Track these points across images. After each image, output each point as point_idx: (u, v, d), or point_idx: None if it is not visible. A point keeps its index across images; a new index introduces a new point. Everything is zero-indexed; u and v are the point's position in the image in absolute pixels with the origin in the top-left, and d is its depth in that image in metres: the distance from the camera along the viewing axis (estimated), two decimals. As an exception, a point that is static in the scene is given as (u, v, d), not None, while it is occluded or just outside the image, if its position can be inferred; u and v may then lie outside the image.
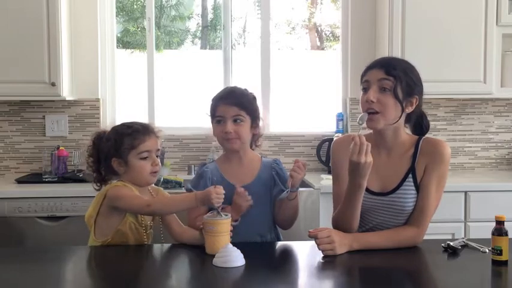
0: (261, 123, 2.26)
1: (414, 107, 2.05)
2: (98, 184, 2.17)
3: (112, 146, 2.10)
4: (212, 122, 2.23)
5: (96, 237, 2.11)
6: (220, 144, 2.25)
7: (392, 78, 2.00)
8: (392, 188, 2.06)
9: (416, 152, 2.06)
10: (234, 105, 2.17)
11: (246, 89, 2.27)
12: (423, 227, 2.04)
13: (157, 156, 2.14)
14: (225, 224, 1.94)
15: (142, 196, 2.08)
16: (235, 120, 2.17)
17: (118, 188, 2.08)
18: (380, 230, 2.08)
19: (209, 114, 2.24)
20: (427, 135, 2.12)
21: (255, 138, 2.29)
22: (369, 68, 2.07)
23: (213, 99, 2.24)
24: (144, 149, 2.10)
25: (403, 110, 2.02)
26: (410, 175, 2.05)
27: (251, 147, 2.30)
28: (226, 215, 1.96)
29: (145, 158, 2.10)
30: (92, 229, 2.12)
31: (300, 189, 2.12)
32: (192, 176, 3.59)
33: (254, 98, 2.26)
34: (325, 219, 3.01)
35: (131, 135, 2.10)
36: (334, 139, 2.35)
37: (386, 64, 2.05)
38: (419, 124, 2.13)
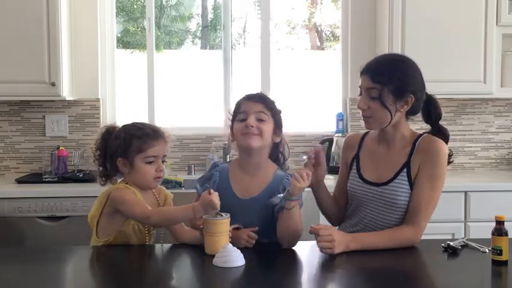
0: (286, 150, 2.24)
1: (411, 104, 2.05)
2: (103, 178, 2.16)
3: (120, 146, 2.09)
4: (234, 121, 2.17)
5: (98, 237, 2.11)
6: (239, 144, 2.15)
7: (378, 85, 2.02)
8: (386, 180, 2.08)
9: (414, 149, 2.07)
10: (259, 102, 2.14)
11: None
12: (419, 226, 2.03)
13: (163, 162, 2.13)
14: (224, 224, 1.94)
15: (144, 204, 2.05)
16: (258, 118, 2.12)
17: (120, 191, 2.07)
18: (375, 228, 2.10)
19: (231, 113, 2.19)
20: (428, 134, 2.12)
21: (277, 153, 2.23)
22: (361, 73, 2.09)
23: (238, 100, 2.20)
24: (152, 154, 2.09)
25: (396, 111, 2.04)
26: (405, 170, 2.06)
27: (277, 162, 2.23)
28: (226, 215, 1.95)
29: (150, 163, 2.09)
30: (94, 229, 2.12)
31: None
32: (192, 176, 3.60)
33: (280, 110, 2.21)
34: (325, 219, 3.01)
35: (141, 138, 2.08)
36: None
37: (372, 70, 2.05)
38: (428, 113, 2.13)
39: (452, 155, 2.11)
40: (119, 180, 2.16)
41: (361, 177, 2.16)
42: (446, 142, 2.10)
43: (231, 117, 2.20)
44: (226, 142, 3.57)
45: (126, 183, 2.12)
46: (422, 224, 2.04)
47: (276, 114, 2.17)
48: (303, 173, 1.98)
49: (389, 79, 2.02)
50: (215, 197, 1.92)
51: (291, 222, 2.03)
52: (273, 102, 2.19)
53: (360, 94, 2.08)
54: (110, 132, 2.14)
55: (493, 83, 3.46)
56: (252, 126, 2.09)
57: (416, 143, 2.08)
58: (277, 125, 2.17)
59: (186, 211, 1.98)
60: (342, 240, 1.94)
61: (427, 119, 2.14)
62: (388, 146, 2.13)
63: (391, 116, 2.03)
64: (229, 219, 1.96)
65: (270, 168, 2.19)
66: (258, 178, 2.15)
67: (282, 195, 2.04)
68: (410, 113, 2.09)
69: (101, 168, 2.16)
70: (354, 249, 1.95)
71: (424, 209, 2.04)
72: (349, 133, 3.73)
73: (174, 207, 2.16)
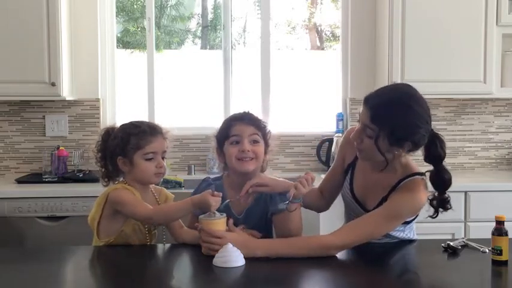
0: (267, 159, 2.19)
1: (408, 149, 1.94)
2: (106, 180, 2.16)
3: (118, 145, 2.09)
4: (225, 144, 2.13)
5: (99, 238, 2.11)
6: (233, 167, 2.12)
7: (375, 127, 1.90)
8: (371, 208, 2.03)
9: (396, 187, 1.99)
10: (251, 124, 2.12)
11: None
12: (340, 238, 1.92)
13: (163, 158, 2.13)
14: (220, 224, 1.94)
15: (144, 204, 2.05)
16: (252, 141, 2.10)
17: (119, 192, 2.07)
18: None
19: (217, 136, 2.16)
20: (418, 179, 1.99)
21: (263, 165, 2.20)
22: (363, 101, 1.97)
23: (225, 121, 2.17)
24: (150, 150, 2.09)
25: (391, 154, 1.95)
26: (382, 203, 2.00)
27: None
28: (222, 215, 1.95)
29: (150, 159, 2.10)
30: (94, 231, 2.12)
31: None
32: (192, 175, 3.60)
33: (267, 126, 2.19)
34: (325, 219, 3.01)
35: (138, 135, 2.09)
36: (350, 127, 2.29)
37: (373, 108, 1.92)
38: (428, 152, 1.97)
39: (438, 211, 1.97)
40: (120, 180, 2.16)
41: (352, 190, 2.12)
42: (444, 189, 1.96)
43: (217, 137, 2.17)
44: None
45: (125, 183, 2.12)
46: (344, 238, 1.92)
47: (265, 135, 2.15)
48: (308, 178, 1.99)
49: (389, 126, 1.89)
50: (213, 200, 1.92)
51: (292, 223, 2.06)
52: (262, 122, 2.17)
53: (359, 121, 1.99)
54: (109, 133, 2.15)
55: (493, 83, 3.46)
56: (248, 151, 2.08)
57: (401, 183, 1.98)
58: (267, 144, 2.16)
59: (184, 206, 1.99)
60: (241, 245, 1.87)
61: (426, 157, 1.97)
62: (378, 172, 2.04)
63: (386, 159, 1.95)
64: (225, 219, 1.96)
65: None
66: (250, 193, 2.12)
67: (287, 202, 2.01)
68: (408, 151, 1.97)
69: (103, 169, 2.16)
70: (262, 256, 1.88)
71: (357, 228, 1.95)
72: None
73: (173, 203, 2.16)
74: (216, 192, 1.95)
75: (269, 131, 2.19)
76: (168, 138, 2.16)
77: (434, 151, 1.96)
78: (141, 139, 2.09)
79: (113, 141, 2.11)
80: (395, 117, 1.90)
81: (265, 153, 2.16)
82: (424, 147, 1.97)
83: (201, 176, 2.76)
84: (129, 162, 2.10)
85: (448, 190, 1.98)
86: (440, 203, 1.98)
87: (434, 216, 1.99)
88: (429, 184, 2.00)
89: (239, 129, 2.11)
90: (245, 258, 1.84)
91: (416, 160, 2.09)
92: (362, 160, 2.08)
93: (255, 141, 2.11)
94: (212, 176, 2.31)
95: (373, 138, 1.91)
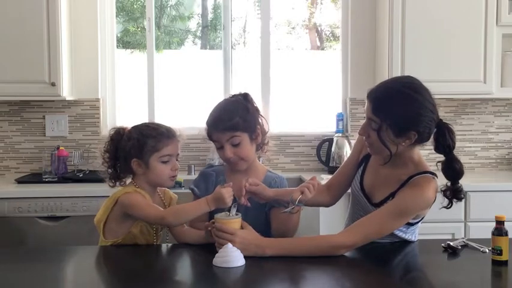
0: (263, 123, 2.18)
1: (415, 139, 1.93)
2: (113, 181, 2.15)
3: (134, 146, 2.08)
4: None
5: (106, 239, 2.10)
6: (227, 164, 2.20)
7: (377, 119, 1.92)
8: (378, 202, 2.04)
9: (406, 182, 1.99)
10: (225, 130, 2.09)
11: (235, 100, 2.16)
12: (349, 237, 1.92)
13: (177, 161, 2.14)
14: (236, 223, 1.95)
15: (155, 206, 2.06)
16: (233, 144, 2.10)
17: (130, 196, 2.05)
18: None
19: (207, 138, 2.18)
20: (428, 176, 1.98)
21: (260, 147, 2.20)
22: (366, 96, 1.98)
23: (206, 123, 2.16)
24: (167, 152, 2.09)
25: (397, 146, 1.94)
26: (390, 198, 2.00)
27: (259, 154, 2.24)
28: (237, 215, 1.97)
29: (166, 162, 2.09)
30: (101, 232, 2.11)
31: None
32: (192, 175, 3.60)
33: (245, 108, 2.13)
34: (325, 219, 3.02)
35: (156, 137, 2.08)
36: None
37: (375, 100, 1.95)
38: (437, 142, 1.97)
39: (451, 202, 1.97)
40: (128, 182, 2.15)
41: (361, 183, 2.12)
42: (457, 178, 1.96)
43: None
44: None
45: (135, 186, 2.11)
46: (353, 237, 1.91)
47: (245, 126, 2.11)
48: (314, 183, 1.99)
49: (390, 116, 1.90)
50: (227, 193, 1.94)
51: (291, 223, 2.09)
52: (236, 117, 2.09)
53: (365, 117, 2.00)
54: (120, 134, 2.13)
55: (493, 83, 3.46)
56: (231, 157, 2.11)
57: (411, 179, 1.98)
58: (251, 132, 2.13)
59: (200, 205, 1.99)
60: (251, 244, 1.89)
61: (436, 148, 1.97)
62: (389, 167, 2.03)
63: (390, 152, 1.95)
64: (240, 218, 1.97)
65: (260, 170, 2.21)
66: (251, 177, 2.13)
67: (292, 207, 2.00)
68: (416, 143, 1.96)
69: (110, 170, 2.14)
70: (272, 255, 1.88)
71: (365, 226, 1.94)
72: (349, 133, 3.74)
73: (186, 203, 2.13)
74: (226, 184, 1.98)
75: (249, 117, 2.12)
76: (181, 141, 2.16)
77: (444, 141, 1.95)
78: (159, 141, 2.08)
79: (127, 143, 2.09)
80: (395, 107, 1.91)
81: (253, 138, 2.14)
82: (433, 137, 1.96)
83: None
84: (144, 165, 2.09)
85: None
86: (454, 193, 1.98)
87: (448, 206, 2.00)
88: (441, 179, 2.00)
89: (217, 137, 2.12)
90: (253, 257, 1.85)
91: (427, 157, 2.09)
92: (373, 154, 2.08)
93: (237, 143, 2.11)
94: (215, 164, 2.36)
95: (377, 130, 1.92)
